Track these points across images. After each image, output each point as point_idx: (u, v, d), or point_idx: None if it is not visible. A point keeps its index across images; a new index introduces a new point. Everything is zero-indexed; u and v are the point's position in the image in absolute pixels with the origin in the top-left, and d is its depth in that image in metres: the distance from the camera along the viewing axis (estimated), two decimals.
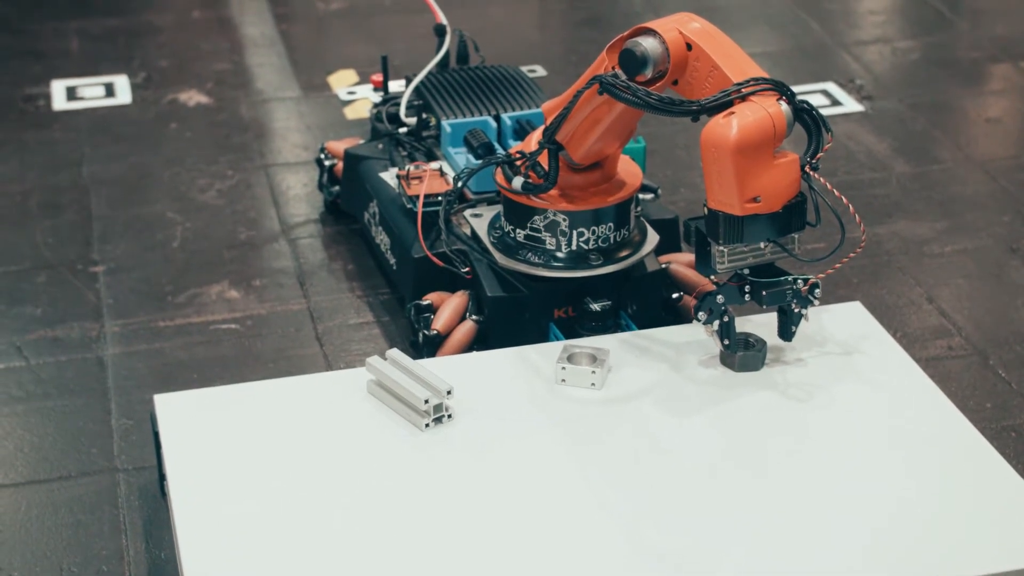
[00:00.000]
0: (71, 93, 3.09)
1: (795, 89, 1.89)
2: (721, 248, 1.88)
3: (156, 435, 1.91)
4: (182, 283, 2.47)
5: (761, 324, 2.03)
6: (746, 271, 1.94)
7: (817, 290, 1.96)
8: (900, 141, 2.93)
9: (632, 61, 1.91)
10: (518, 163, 2.11)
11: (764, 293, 1.94)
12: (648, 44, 1.90)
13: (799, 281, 1.95)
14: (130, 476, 2.05)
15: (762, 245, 1.89)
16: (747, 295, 1.96)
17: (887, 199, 2.73)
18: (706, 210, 1.87)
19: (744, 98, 1.84)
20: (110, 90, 3.10)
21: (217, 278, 2.49)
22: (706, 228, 1.89)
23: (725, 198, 1.85)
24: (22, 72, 3.17)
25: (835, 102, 3.07)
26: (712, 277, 1.95)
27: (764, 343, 1.98)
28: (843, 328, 2.08)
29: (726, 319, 1.95)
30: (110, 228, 2.62)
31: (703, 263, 1.93)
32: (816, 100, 3.06)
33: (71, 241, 2.59)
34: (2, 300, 2.43)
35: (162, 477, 1.89)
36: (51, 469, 2.07)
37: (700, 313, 1.95)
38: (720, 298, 1.94)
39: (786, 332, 1.98)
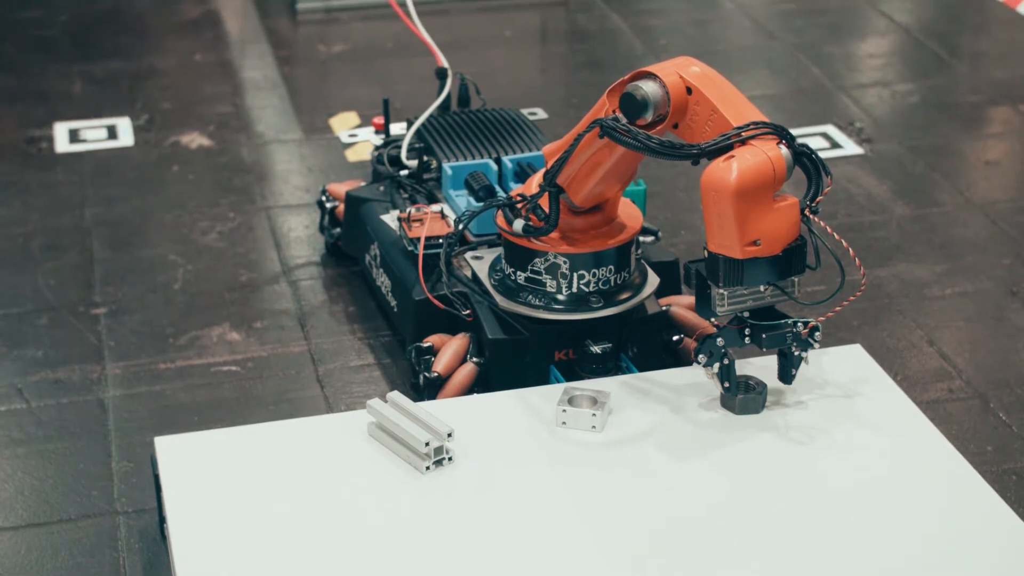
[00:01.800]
0: (74, 136, 3.10)
1: (795, 132, 1.90)
2: (721, 291, 1.88)
3: (156, 478, 1.91)
4: (183, 325, 2.48)
5: (761, 367, 2.03)
6: (746, 314, 1.94)
7: (817, 333, 1.95)
8: (900, 184, 2.94)
9: (633, 105, 1.91)
10: (519, 206, 2.11)
11: (764, 336, 1.94)
12: (648, 88, 1.90)
13: (799, 324, 1.95)
14: (130, 519, 2.05)
15: (762, 288, 1.90)
16: (747, 338, 1.95)
17: (887, 242, 2.73)
18: (706, 253, 1.87)
19: (744, 142, 1.84)
20: (113, 133, 3.11)
21: (218, 320, 2.49)
22: (706, 271, 1.89)
23: (725, 241, 1.85)
24: (26, 114, 3.18)
25: (835, 145, 3.08)
26: (712, 320, 1.95)
27: (764, 386, 1.98)
28: (843, 371, 2.08)
29: (726, 362, 1.95)
30: (112, 270, 2.63)
31: (703, 306, 1.93)
32: (816, 143, 3.07)
33: (73, 283, 2.59)
34: (4, 342, 2.43)
35: (162, 520, 1.88)
36: (51, 512, 2.06)
37: (700, 356, 1.94)
38: (720, 341, 1.94)
39: (786, 375, 1.98)
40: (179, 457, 1.92)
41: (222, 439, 1.97)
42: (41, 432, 2.22)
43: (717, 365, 1.95)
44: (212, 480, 1.88)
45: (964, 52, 3.52)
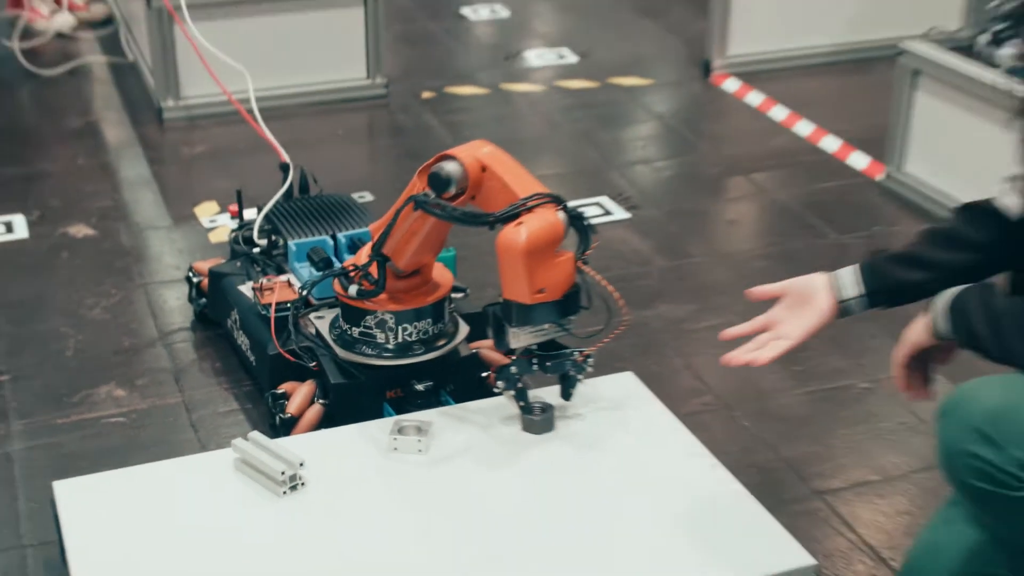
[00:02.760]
0: None
1: (575, 203, 1.94)
2: (514, 330, 1.92)
3: (55, 515, 1.89)
4: (76, 385, 2.44)
5: (554, 391, 2.06)
6: (534, 347, 1.98)
7: (591, 359, 2.00)
8: (659, 241, 2.99)
9: (438, 182, 1.93)
10: (352, 274, 2.12)
11: (548, 364, 1.99)
12: (450, 167, 1.93)
13: (576, 353, 2.00)
14: (36, 551, 2.02)
15: (547, 326, 1.93)
16: (535, 366, 1.99)
17: (651, 288, 2.78)
18: (502, 300, 1.91)
19: (530, 209, 1.88)
20: (9, 227, 3.05)
21: (105, 380, 2.46)
22: (502, 313, 1.92)
23: (517, 290, 1.88)
24: None
25: (607, 212, 3.12)
26: (508, 352, 1.99)
27: (552, 407, 2.02)
28: (619, 393, 2.13)
29: (520, 386, 1.99)
30: (13, 343, 2.58)
31: (500, 341, 1.96)
32: (592, 211, 3.10)
33: None
34: None
35: (63, 550, 1.86)
36: None
37: (499, 382, 1.98)
38: (514, 369, 1.98)
39: (566, 394, 2.03)
40: (75, 497, 1.90)
41: (111, 480, 1.95)
42: None
43: (513, 391, 1.99)
44: (104, 514, 1.85)
45: (705, 134, 3.61)
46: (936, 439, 1.51)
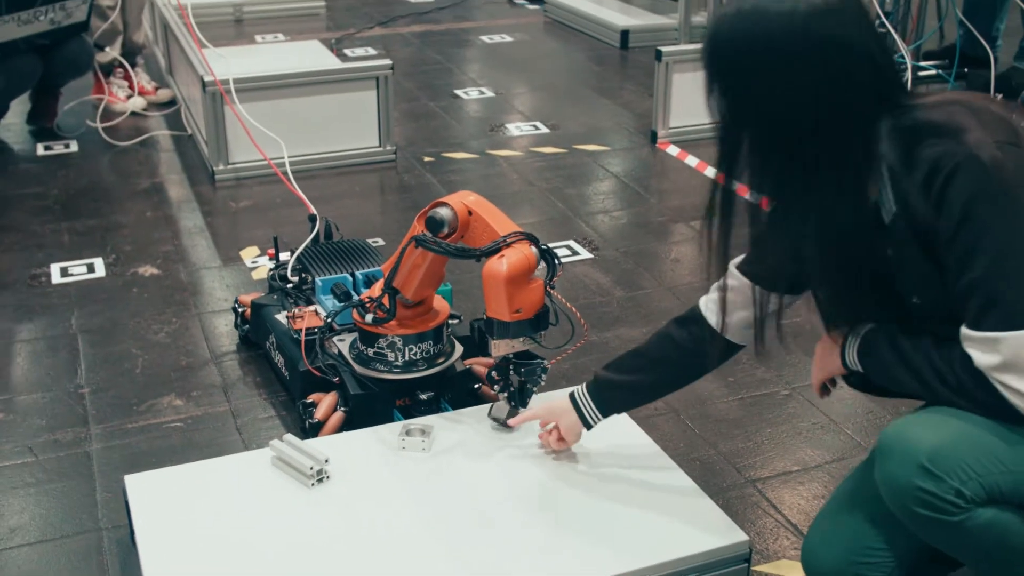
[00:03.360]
0: (64, 271, 3.00)
1: (548, 246, 1.93)
2: (496, 341, 1.91)
3: (127, 503, 1.86)
4: (143, 396, 2.41)
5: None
6: (511, 355, 1.96)
7: (546, 373, 2.00)
8: (618, 276, 2.98)
9: (434, 224, 1.94)
10: (368, 305, 2.11)
11: (522, 369, 1.98)
12: (443, 212, 1.93)
13: (544, 361, 1.98)
14: (110, 533, 1.98)
15: (521, 339, 1.92)
16: (512, 369, 1.98)
17: (611, 315, 2.77)
18: (485, 317, 1.90)
19: (509, 245, 1.88)
20: (91, 268, 3.02)
21: (167, 392, 2.43)
22: (485, 328, 1.92)
23: (499, 310, 1.87)
24: (29, 259, 3.07)
25: (575, 252, 3.11)
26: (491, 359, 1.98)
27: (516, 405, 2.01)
28: None
29: (513, 388, 1.98)
30: (93, 362, 2.55)
31: (482, 350, 1.95)
32: (563, 252, 3.09)
33: (66, 372, 2.50)
34: (17, 415, 2.34)
35: (132, 532, 1.83)
36: (55, 531, 1.99)
37: (492, 373, 1.99)
38: (495, 373, 1.98)
39: (523, 402, 2.01)
40: (142, 488, 1.87)
41: (172, 474, 1.93)
42: (45, 476, 2.14)
43: (501, 385, 1.99)
44: (167, 502, 1.83)
45: (653, 190, 3.60)
46: (880, 476, 1.44)
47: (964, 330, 1.39)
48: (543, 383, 2.00)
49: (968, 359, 1.39)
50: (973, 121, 1.38)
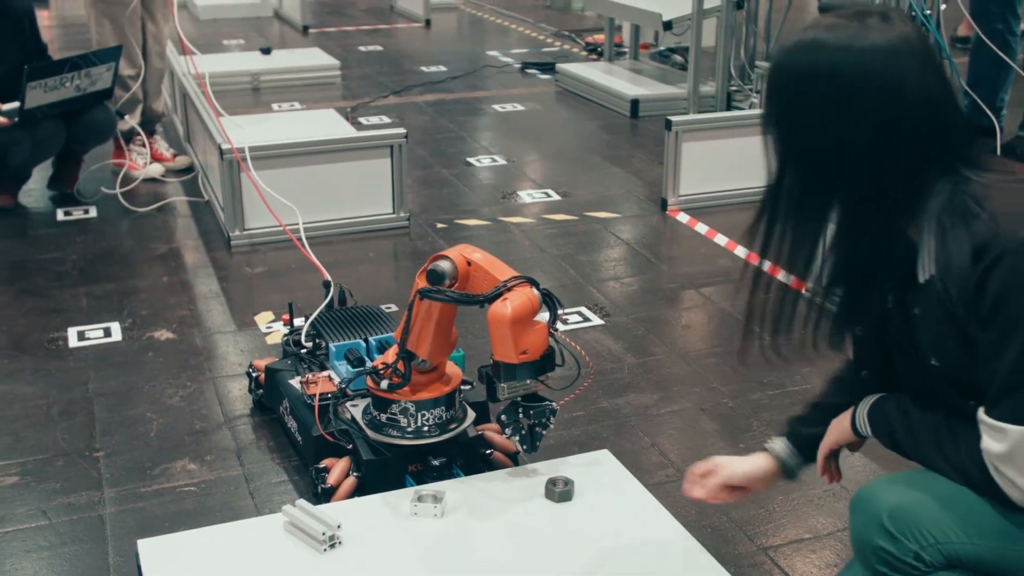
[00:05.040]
0: (81, 335, 3.02)
1: (559, 312, 1.94)
2: (503, 385, 1.90)
3: (139, 568, 1.85)
4: (156, 460, 2.40)
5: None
6: (519, 397, 1.96)
7: (555, 415, 2.00)
8: (628, 342, 2.97)
9: (435, 275, 1.97)
10: (381, 371, 2.11)
11: (531, 411, 1.98)
12: (443, 264, 1.97)
13: (552, 403, 1.98)
14: None
15: (528, 381, 1.92)
16: (520, 412, 1.98)
17: (622, 380, 2.76)
18: (492, 361, 1.90)
19: (510, 289, 1.90)
20: (108, 332, 3.03)
21: (181, 456, 2.42)
22: (492, 372, 1.92)
23: (505, 353, 1.89)
24: (47, 323, 3.09)
25: (586, 319, 3.11)
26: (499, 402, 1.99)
27: (572, 481, 1.99)
28: (597, 468, 2.11)
29: (524, 431, 1.97)
30: (107, 425, 2.55)
31: (491, 395, 1.96)
32: (574, 318, 3.10)
33: (81, 436, 2.50)
34: (32, 478, 2.34)
35: None
36: None
37: (502, 416, 1.98)
38: (504, 417, 1.97)
39: (532, 446, 2.00)
40: (155, 552, 1.87)
41: (185, 538, 1.92)
42: (58, 540, 2.13)
43: (511, 428, 1.98)
44: (179, 567, 1.82)
45: (664, 256, 3.61)
46: (850, 530, 1.48)
47: (979, 413, 1.40)
48: (552, 425, 2.00)
49: (976, 442, 1.40)
50: None
